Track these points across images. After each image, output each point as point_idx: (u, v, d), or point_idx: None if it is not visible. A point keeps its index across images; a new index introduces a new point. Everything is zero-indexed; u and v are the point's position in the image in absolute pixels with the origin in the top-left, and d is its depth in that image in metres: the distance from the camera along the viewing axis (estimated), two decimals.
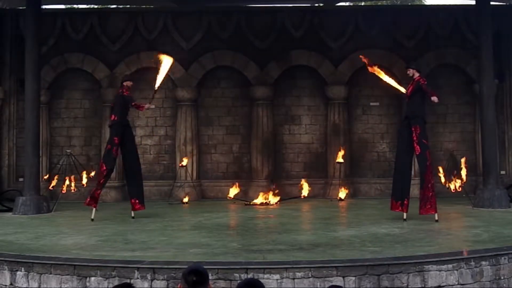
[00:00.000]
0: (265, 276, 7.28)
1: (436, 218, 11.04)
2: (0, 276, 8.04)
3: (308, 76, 16.48)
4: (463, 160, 14.28)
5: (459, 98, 16.47)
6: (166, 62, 12.41)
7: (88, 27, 16.34)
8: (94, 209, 12.03)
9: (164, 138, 16.53)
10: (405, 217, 11.19)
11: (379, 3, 24.58)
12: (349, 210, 13.73)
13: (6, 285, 7.98)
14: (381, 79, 11.91)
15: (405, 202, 11.22)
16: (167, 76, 16.24)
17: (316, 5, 16.81)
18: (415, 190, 15.39)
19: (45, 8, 15.28)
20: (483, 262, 7.88)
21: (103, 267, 7.60)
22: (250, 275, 7.23)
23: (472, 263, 7.81)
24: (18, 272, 7.93)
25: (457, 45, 16.26)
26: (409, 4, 26.70)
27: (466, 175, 14.23)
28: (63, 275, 7.67)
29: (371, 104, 16.44)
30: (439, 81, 16.29)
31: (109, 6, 17.38)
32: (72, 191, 14.81)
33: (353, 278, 7.38)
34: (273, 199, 14.73)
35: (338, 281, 7.27)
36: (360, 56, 12.06)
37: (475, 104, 15.87)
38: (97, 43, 16.32)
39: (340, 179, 15.54)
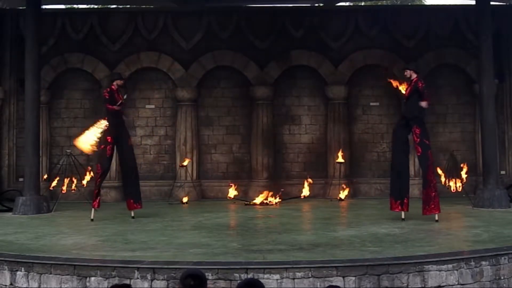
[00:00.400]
0: (265, 276, 7.28)
1: (436, 218, 11.04)
2: (0, 276, 8.04)
3: (308, 76, 16.48)
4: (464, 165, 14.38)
5: (459, 98, 16.47)
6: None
7: (88, 27, 16.33)
8: (93, 209, 12.02)
9: (164, 138, 16.53)
10: (403, 216, 11.19)
11: (379, 3, 24.60)
12: (349, 210, 13.74)
13: (6, 285, 7.98)
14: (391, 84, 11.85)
15: (405, 201, 11.21)
16: (167, 76, 16.37)
17: (316, 5, 16.80)
18: (415, 190, 15.45)
19: (45, 8, 15.27)
20: (483, 262, 7.88)
21: (103, 267, 7.60)
22: (250, 275, 7.23)
23: (472, 263, 7.81)
24: (18, 272, 7.93)
25: (457, 45, 16.25)
26: (409, 4, 26.72)
27: (466, 174, 14.26)
28: (63, 275, 7.68)
29: (371, 104, 16.44)
30: (439, 81, 16.31)
31: (109, 6, 17.37)
32: (72, 191, 14.82)
33: (353, 278, 7.38)
34: (273, 199, 14.74)
35: (338, 281, 7.27)
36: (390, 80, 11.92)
37: (475, 104, 15.86)
38: (97, 43, 16.32)
39: (340, 179, 15.55)
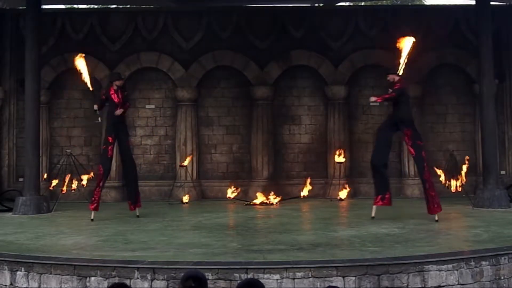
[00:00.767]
0: (265, 276, 7.28)
1: (436, 218, 11.05)
2: (0, 276, 8.04)
3: (308, 76, 16.48)
4: (465, 161, 14.37)
5: (459, 98, 16.47)
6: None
7: (88, 27, 16.33)
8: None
9: (164, 138, 16.53)
10: (373, 214, 11.20)
11: (379, 3, 24.59)
12: (349, 210, 13.75)
13: (6, 285, 7.98)
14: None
15: (386, 195, 11.33)
16: (167, 76, 16.37)
17: (316, 5, 16.81)
18: (415, 190, 15.47)
19: (45, 8, 15.26)
20: (483, 262, 7.88)
21: (103, 267, 7.60)
22: (250, 275, 7.23)
23: (472, 263, 7.81)
24: (18, 272, 7.93)
25: (457, 45, 16.25)
26: (409, 4, 26.71)
27: (466, 174, 14.28)
28: (63, 275, 7.68)
29: (371, 104, 16.42)
30: (439, 81, 16.31)
31: (109, 6, 17.37)
32: (72, 191, 14.82)
33: (353, 278, 7.38)
34: (273, 199, 14.74)
35: (338, 281, 7.28)
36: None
37: (475, 104, 15.86)
38: (97, 43, 16.31)
39: (340, 179, 15.54)
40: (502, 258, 8.03)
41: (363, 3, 20.51)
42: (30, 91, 13.72)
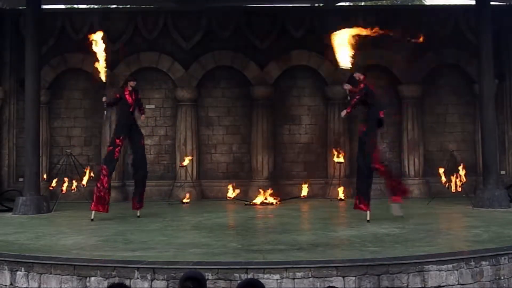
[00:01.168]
0: (265, 276, 7.28)
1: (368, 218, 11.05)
2: (0, 276, 8.04)
3: (308, 76, 16.48)
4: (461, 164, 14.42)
5: (459, 98, 16.47)
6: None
7: (88, 27, 16.31)
8: (94, 211, 11.98)
9: (164, 138, 16.53)
10: (368, 217, 11.12)
11: (379, 3, 24.58)
12: (349, 210, 13.70)
13: (6, 285, 7.98)
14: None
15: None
16: (167, 76, 16.37)
17: (316, 5, 16.81)
18: (415, 190, 15.47)
19: (45, 8, 15.26)
20: (483, 262, 7.88)
21: (103, 267, 7.60)
22: (250, 275, 7.23)
23: (472, 263, 7.81)
24: (18, 272, 7.93)
25: (457, 45, 16.25)
26: (409, 4, 26.71)
27: (466, 174, 14.28)
28: (63, 275, 7.68)
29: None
30: (439, 81, 16.31)
31: (109, 6, 17.38)
32: (72, 191, 14.82)
33: (353, 278, 7.37)
34: (273, 199, 14.75)
35: (338, 281, 7.28)
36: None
37: (475, 104, 15.86)
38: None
39: (340, 179, 15.54)
40: (502, 258, 8.03)
41: (363, 3, 20.50)
42: (30, 91, 13.72)
